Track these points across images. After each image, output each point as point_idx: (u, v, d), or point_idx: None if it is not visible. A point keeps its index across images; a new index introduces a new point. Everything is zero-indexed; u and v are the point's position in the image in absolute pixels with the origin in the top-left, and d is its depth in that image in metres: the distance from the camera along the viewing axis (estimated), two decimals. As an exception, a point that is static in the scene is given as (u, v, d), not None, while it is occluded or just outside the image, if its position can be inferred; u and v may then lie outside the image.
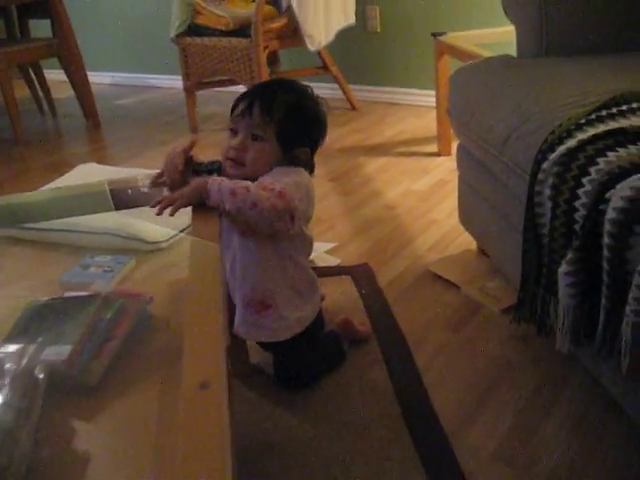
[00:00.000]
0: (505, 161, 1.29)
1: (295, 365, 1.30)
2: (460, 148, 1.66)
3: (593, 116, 1.15)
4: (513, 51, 1.68)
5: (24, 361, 0.93)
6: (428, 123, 2.86)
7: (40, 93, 3.59)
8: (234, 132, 1.18)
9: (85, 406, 0.92)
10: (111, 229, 1.37)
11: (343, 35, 3.07)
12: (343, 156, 2.63)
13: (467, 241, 1.81)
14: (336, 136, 2.83)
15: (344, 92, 3.24)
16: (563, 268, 1.02)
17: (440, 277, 1.67)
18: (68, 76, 3.35)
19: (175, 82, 3.89)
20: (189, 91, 3.03)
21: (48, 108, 3.60)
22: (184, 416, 0.60)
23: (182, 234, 1.31)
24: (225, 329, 0.79)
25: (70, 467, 0.80)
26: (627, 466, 1.09)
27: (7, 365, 0.92)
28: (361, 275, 1.71)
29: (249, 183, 1.08)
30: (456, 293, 1.61)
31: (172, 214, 1.06)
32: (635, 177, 0.95)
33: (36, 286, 1.20)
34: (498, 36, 2.32)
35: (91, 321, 1.01)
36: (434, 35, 2.35)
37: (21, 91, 3.50)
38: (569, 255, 1.02)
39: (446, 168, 2.37)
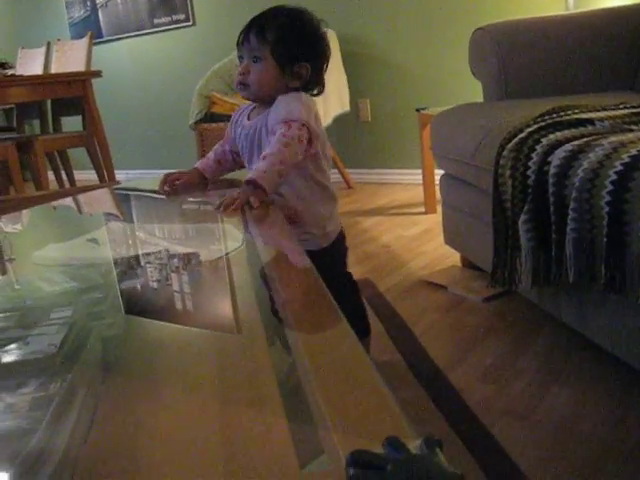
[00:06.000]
0: (476, 164, 1.65)
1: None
2: (442, 178, 2.03)
3: (538, 119, 1.52)
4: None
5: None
6: (416, 195, 3.24)
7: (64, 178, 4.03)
8: (241, 59, 1.31)
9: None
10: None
11: (340, 124, 3.53)
12: (342, 217, 2.96)
13: (453, 261, 2.13)
14: (335, 206, 3.19)
15: (341, 174, 3.66)
16: (522, 218, 1.35)
17: (430, 283, 1.98)
18: (94, 165, 3.76)
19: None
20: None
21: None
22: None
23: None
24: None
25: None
26: (582, 391, 1.35)
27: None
28: (364, 285, 2.00)
29: (278, 150, 1.20)
30: (444, 292, 1.91)
31: (237, 209, 1.15)
32: (566, 146, 1.31)
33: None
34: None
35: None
36: (417, 110, 2.79)
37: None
38: (525, 207, 1.35)
39: (433, 222, 2.72)
